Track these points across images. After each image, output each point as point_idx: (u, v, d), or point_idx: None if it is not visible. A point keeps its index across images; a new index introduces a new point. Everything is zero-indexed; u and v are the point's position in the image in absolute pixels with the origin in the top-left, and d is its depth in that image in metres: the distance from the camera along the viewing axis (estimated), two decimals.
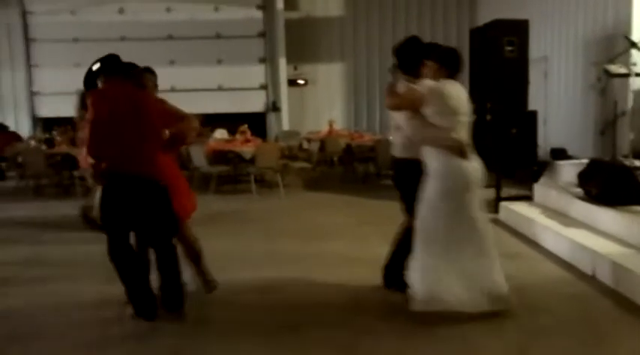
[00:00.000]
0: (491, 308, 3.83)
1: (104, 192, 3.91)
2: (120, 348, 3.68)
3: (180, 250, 4.18)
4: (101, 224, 3.95)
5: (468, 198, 3.89)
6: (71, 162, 9.34)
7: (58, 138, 10.04)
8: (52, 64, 12.77)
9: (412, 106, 3.97)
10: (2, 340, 3.80)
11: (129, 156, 3.83)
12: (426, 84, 3.93)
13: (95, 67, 3.97)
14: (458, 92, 3.95)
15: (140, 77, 4.22)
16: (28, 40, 12.99)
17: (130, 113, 3.82)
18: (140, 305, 3.95)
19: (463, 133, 3.94)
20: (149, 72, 4.35)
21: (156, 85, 4.40)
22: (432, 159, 3.91)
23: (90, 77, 3.99)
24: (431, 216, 3.88)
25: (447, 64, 3.96)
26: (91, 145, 3.84)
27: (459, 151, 3.86)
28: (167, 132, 4.08)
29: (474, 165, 3.95)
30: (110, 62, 3.97)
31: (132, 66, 4.18)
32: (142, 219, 3.90)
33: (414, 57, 4.11)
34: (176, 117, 4.08)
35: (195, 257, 4.37)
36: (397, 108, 4.13)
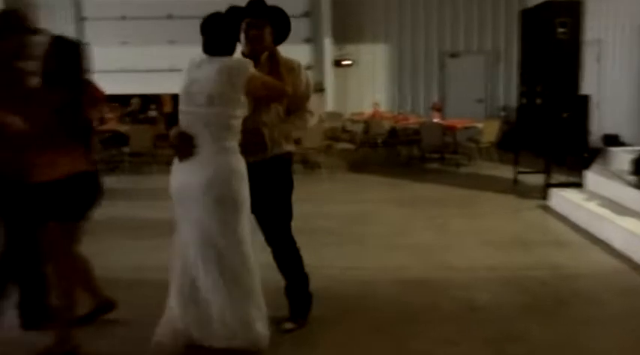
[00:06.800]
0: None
1: None
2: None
3: None
4: None
5: None
6: (120, 139, 9.57)
7: (108, 116, 10.25)
8: (100, 42, 13.00)
9: None
10: None
11: None
12: None
13: None
14: None
15: None
16: (80, 19, 13.23)
17: None
18: None
19: None
20: None
21: None
22: None
23: None
24: None
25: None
26: None
27: None
28: None
29: None
30: None
31: None
32: None
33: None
34: None
35: None
36: None
